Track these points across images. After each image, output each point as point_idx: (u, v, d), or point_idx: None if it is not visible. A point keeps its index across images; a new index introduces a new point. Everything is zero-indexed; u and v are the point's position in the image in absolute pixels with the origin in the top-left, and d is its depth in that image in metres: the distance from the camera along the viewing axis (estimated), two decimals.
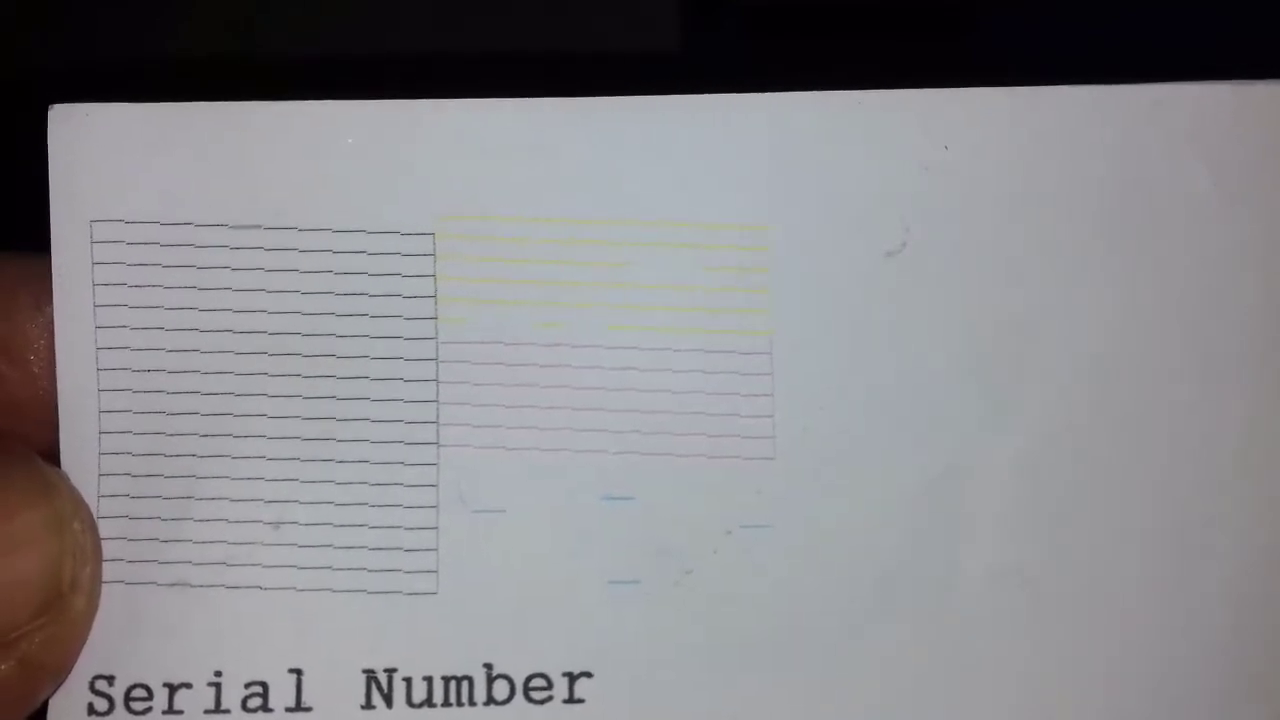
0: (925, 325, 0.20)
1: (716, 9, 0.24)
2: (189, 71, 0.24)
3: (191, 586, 0.20)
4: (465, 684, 0.20)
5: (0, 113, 0.23)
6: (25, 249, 0.20)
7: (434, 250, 0.20)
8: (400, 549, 0.20)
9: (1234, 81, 0.20)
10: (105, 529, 0.20)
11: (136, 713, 0.20)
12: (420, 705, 0.20)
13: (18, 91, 0.21)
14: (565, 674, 0.20)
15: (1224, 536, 0.20)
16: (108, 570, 0.20)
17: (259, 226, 0.20)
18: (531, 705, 0.20)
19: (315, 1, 0.24)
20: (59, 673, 0.19)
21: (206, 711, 0.20)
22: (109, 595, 0.20)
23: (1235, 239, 0.20)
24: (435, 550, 0.20)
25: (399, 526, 0.20)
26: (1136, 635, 0.20)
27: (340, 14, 0.24)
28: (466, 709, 0.20)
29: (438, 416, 0.20)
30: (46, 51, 0.24)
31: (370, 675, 0.20)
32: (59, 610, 0.19)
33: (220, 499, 0.20)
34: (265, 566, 0.20)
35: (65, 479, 0.20)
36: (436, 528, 0.20)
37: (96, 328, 0.20)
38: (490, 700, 0.20)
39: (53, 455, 0.20)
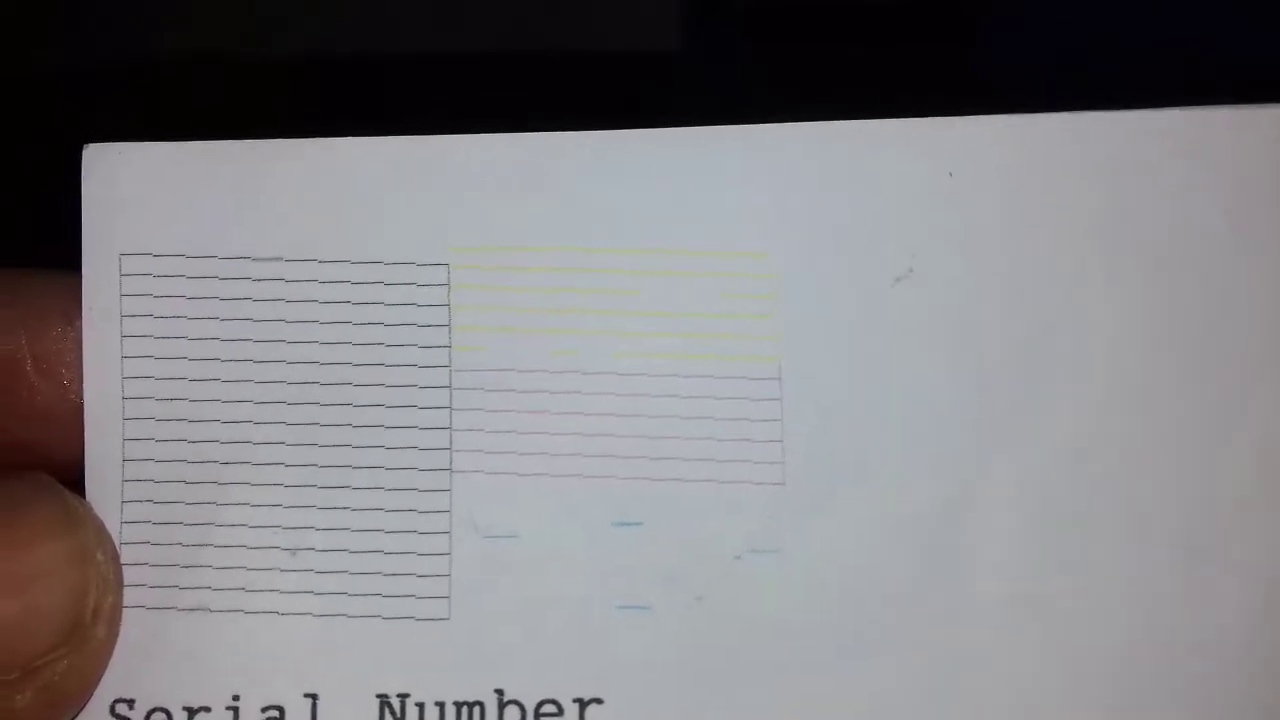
0: (932, 350, 0.20)
1: (716, 9, 0.25)
2: (200, 79, 0.25)
3: (211, 611, 0.20)
4: (477, 709, 0.20)
5: (32, 136, 0.23)
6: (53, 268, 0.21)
7: (448, 280, 0.20)
8: (414, 575, 0.20)
9: (1236, 105, 0.20)
10: (128, 555, 0.20)
11: None
12: None
13: (48, 116, 0.22)
14: (576, 699, 0.20)
15: (1236, 558, 0.20)
16: (130, 595, 0.20)
17: (280, 259, 0.20)
18: None
19: (313, 3, 0.24)
20: (79, 700, 0.20)
21: None
22: (131, 619, 0.20)
23: (1238, 262, 0.20)
24: (448, 576, 0.20)
25: (412, 553, 0.20)
26: (1150, 657, 0.20)
27: (337, 12, 0.25)
28: None
29: (451, 443, 0.20)
30: (62, 53, 0.25)
31: (383, 700, 0.20)
32: (80, 640, 0.19)
33: (240, 526, 0.20)
34: (283, 592, 0.20)
35: (90, 509, 0.20)
36: (449, 554, 0.20)
37: (123, 357, 0.20)
38: None
39: (79, 468, 0.20)
